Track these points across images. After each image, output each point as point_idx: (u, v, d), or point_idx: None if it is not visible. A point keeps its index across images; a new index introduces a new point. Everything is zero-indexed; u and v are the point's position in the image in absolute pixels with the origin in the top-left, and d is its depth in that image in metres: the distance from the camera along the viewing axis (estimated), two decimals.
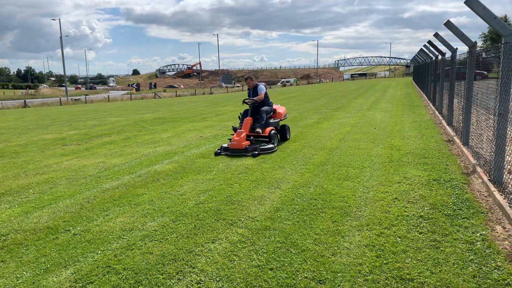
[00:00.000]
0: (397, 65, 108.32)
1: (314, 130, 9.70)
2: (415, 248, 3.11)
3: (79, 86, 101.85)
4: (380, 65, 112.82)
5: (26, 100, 37.68)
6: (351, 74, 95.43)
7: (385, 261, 2.91)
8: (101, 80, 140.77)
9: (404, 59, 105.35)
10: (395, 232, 3.41)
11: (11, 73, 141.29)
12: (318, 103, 19.38)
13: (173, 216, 4.00)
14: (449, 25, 6.62)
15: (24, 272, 2.92)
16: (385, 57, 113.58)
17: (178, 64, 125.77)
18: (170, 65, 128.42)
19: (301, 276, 2.73)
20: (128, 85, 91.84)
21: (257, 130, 7.28)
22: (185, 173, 5.78)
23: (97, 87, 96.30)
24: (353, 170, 5.56)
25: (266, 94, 7.82)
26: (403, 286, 2.58)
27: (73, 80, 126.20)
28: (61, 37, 50.00)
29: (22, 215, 4.20)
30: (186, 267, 2.91)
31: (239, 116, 8.04)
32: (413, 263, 2.87)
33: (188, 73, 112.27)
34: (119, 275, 2.81)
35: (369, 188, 4.69)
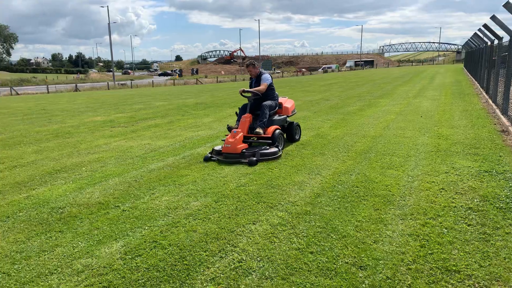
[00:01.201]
0: (447, 51, 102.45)
1: (356, 118, 9.48)
2: (463, 240, 2.99)
3: (130, 71, 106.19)
4: (428, 51, 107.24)
5: (77, 84, 39.75)
6: (355, 61, 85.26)
7: (429, 251, 2.83)
8: (145, 65, 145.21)
9: (455, 44, 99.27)
10: (441, 223, 3.30)
11: (64, 58, 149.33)
12: (361, 90, 18.85)
13: (215, 197, 4.11)
14: (508, 6, 6.14)
15: (79, 242, 3.14)
16: (434, 42, 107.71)
17: (219, 50, 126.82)
18: (212, 51, 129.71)
19: (341, 261, 2.72)
20: (171, 70, 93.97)
21: (257, 130, 5.88)
22: None
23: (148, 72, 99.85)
24: (397, 158, 5.40)
25: (271, 85, 6.40)
26: (448, 277, 2.51)
27: (120, 65, 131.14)
28: (109, 24, 51.94)
29: (76, 191, 4.49)
30: (228, 246, 3.00)
31: (236, 112, 6.56)
32: (460, 255, 2.77)
33: (229, 59, 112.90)
34: (165, 250, 2.95)
35: (414, 178, 4.54)
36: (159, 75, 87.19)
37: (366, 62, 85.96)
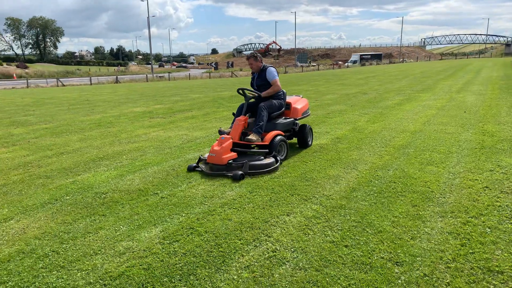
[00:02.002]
0: (495, 43, 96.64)
1: (395, 112, 9.21)
2: (508, 240, 2.86)
3: (175, 63, 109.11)
4: (474, 43, 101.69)
5: (118, 76, 41.24)
6: (360, 55, 77.49)
7: (470, 251, 2.73)
8: (182, 58, 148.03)
9: (504, 37, 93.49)
10: (484, 222, 3.16)
11: (105, 51, 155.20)
12: (401, 83, 18.24)
13: (249, 187, 4.16)
14: None
15: (121, 226, 3.30)
16: (480, 34, 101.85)
17: (255, 43, 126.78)
18: (247, 44, 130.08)
19: (377, 256, 2.69)
20: (207, 63, 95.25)
21: (250, 136, 4.92)
22: None
23: (184, 65, 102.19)
24: (438, 155, 5.21)
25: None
26: (490, 278, 2.41)
27: (158, 58, 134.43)
28: (148, 17, 53.33)
29: (118, 178, 4.70)
30: (262, 235, 3.04)
31: (233, 113, 5.53)
32: (504, 255, 2.65)
33: (264, 52, 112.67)
34: (201, 237, 3.04)
35: (456, 175, 4.37)
36: (177, 67, 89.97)
37: (373, 56, 78.86)
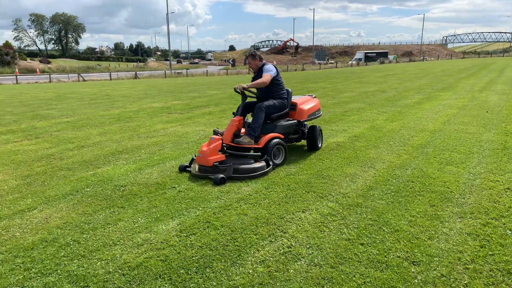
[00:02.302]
0: None
1: (414, 111, 9.06)
2: None
3: (198, 59, 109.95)
4: (498, 42, 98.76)
5: (137, 72, 41.83)
6: (365, 53, 74.44)
7: (490, 252, 2.68)
8: (200, 55, 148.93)
9: None
10: (504, 224, 3.10)
11: (125, 47, 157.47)
12: (421, 82, 17.91)
13: (265, 183, 4.18)
14: None
15: (139, 218, 3.37)
16: (505, 32, 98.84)
17: (272, 40, 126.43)
18: (264, 41, 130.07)
19: (393, 255, 2.67)
20: (224, 60, 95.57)
21: (240, 139, 4.67)
22: None
23: (199, 62, 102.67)
24: (458, 155, 5.11)
25: (276, 79, 5.01)
26: (510, 280, 2.36)
27: (176, 54, 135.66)
28: (167, 14, 53.80)
29: (136, 171, 4.79)
30: (278, 231, 3.06)
31: (233, 113, 5.23)
32: None
33: (281, 49, 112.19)
34: (217, 231, 3.08)
35: (476, 175, 4.28)
36: (190, 63, 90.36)
37: (378, 54, 74.14)
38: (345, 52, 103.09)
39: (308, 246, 2.82)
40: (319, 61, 70.46)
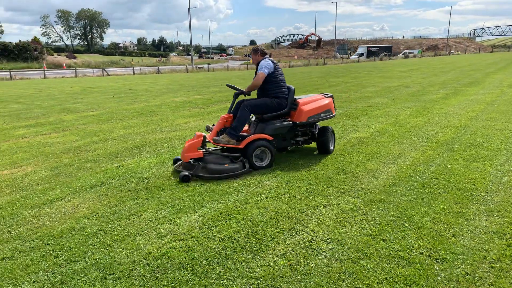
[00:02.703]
0: None
1: (439, 106, 8.83)
2: None
3: (225, 54, 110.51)
4: None
5: (159, 67, 42.39)
6: (367, 47, 68.78)
7: None
8: (221, 50, 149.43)
9: None
10: None
11: (147, 42, 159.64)
12: (446, 77, 17.41)
13: (286, 178, 4.18)
14: None
15: (163, 210, 3.45)
16: None
17: (293, 34, 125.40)
18: (286, 35, 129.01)
19: (416, 252, 2.64)
20: (245, 55, 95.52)
21: (219, 137, 4.52)
22: None
23: (217, 57, 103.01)
24: (485, 151, 4.96)
25: (273, 76, 4.73)
26: None
27: (198, 49, 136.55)
28: (189, 9, 54.12)
29: (160, 164, 4.88)
30: (298, 225, 3.07)
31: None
32: None
33: (302, 43, 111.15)
34: (238, 223, 3.12)
35: (504, 173, 4.15)
36: (205, 57, 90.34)
37: (381, 49, 68.56)
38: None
39: (329, 240, 2.82)
40: (341, 55, 69.46)
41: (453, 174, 4.16)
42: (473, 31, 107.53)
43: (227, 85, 4.93)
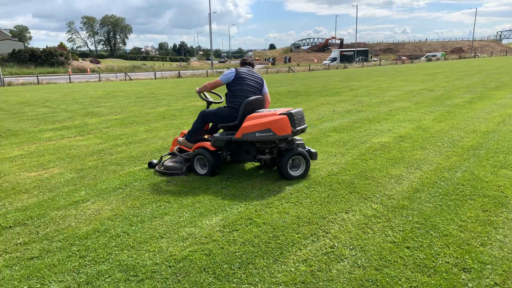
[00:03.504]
0: None
1: (464, 111, 8.60)
2: None
3: (258, 58, 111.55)
4: None
5: (180, 71, 42.99)
6: (341, 52, 64.62)
7: None
8: (240, 54, 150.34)
9: None
10: None
11: (169, 47, 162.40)
12: (471, 80, 16.96)
13: (307, 183, 4.16)
14: None
15: (184, 213, 3.48)
16: None
17: (313, 38, 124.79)
18: (305, 39, 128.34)
19: (441, 260, 2.56)
20: (264, 59, 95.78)
21: (180, 139, 4.93)
22: (318, 145, 5.88)
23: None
24: None
25: (231, 85, 4.62)
26: None
27: (217, 54, 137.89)
28: (209, 14, 54.77)
29: None
30: (320, 231, 3.04)
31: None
32: None
33: (322, 47, 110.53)
34: (259, 228, 3.11)
35: None
36: (219, 62, 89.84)
37: (358, 53, 63.62)
38: (389, 49, 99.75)
39: (351, 247, 2.78)
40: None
41: (480, 180, 4.04)
42: (500, 33, 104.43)
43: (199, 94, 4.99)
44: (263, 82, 4.82)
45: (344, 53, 64.15)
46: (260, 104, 4.69)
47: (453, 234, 2.92)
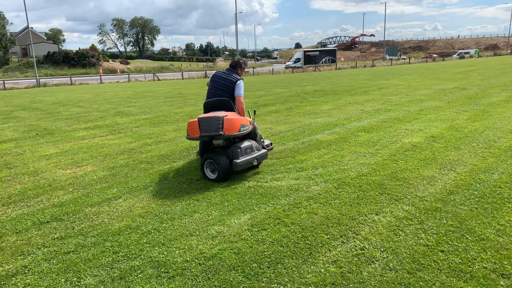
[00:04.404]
0: None
1: (501, 110, 8.24)
2: None
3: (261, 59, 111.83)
4: None
5: (206, 72, 43.49)
6: (305, 52, 56.48)
7: None
8: (266, 54, 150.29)
9: None
10: None
11: (195, 47, 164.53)
12: (508, 78, 16.22)
13: (335, 183, 4.10)
14: None
15: (213, 211, 3.52)
16: None
17: (340, 36, 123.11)
18: (332, 37, 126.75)
19: (478, 265, 2.47)
20: (289, 58, 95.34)
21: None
22: (347, 145, 5.79)
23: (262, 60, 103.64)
24: None
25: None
26: None
27: (243, 54, 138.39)
28: (235, 14, 55.08)
29: None
30: (350, 232, 2.99)
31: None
32: None
33: (350, 45, 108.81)
34: (287, 228, 3.10)
35: None
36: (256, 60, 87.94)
37: (323, 54, 57.03)
38: (419, 47, 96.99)
39: (382, 249, 2.72)
40: (391, 57, 67.07)
41: None
42: None
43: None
44: (234, 84, 4.79)
45: (309, 53, 57.20)
46: (221, 105, 4.70)
47: (490, 238, 2.80)
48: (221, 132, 4.22)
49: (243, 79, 4.91)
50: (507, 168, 4.32)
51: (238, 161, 4.27)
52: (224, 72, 4.97)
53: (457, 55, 64.64)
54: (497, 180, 3.98)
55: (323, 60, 55.92)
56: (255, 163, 4.51)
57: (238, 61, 5.05)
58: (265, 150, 4.73)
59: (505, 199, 3.48)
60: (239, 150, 4.36)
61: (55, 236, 3.18)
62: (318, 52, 57.91)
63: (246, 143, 4.50)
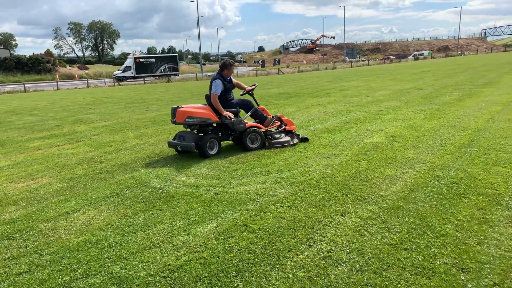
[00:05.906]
0: None
1: (454, 109, 8.67)
2: None
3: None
4: None
5: (170, 77, 42.76)
6: (135, 59, 45.62)
7: None
8: (230, 57, 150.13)
9: None
10: None
11: (157, 51, 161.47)
12: (459, 78, 17.16)
13: (301, 186, 4.12)
14: None
15: (178, 221, 3.41)
16: None
17: (301, 40, 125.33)
18: (294, 40, 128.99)
19: (439, 261, 2.54)
20: (254, 61, 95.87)
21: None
22: (311, 146, 5.85)
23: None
24: (506, 154, 4.83)
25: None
26: None
27: (206, 57, 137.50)
28: (197, 18, 54.64)
29: (173, 174, 4.86)
30: (316, 235, 3.00)
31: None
32: None
33: (311, 48, 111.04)
34: (254, 234, 3.06)
35: None
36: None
37: (159, 60, 47.35)
38: (377, 49, 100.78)
39: (348, 250, 2.74)
40: (351, 59, 69.11)
41: (473, 178, 4.04)
42: (484, 30, 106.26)
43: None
44: (211, 83, 5.79)
45: (141, 60, 46.21)
46: (207, 100, 5.89)
47: (449, 234, 2.90)
48: (173, 120, 5.57)
49: (221, 79, 5.74)
50: (462, 165, 4.52)
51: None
52: (215, 74, 5.90)
53: (412, 56, 67.73)
54: (453, 176, 4.15)
55: (162, 68, 46.98)
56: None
57: (224, 63, 5.86)
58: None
59: (461, 195, 3.64)
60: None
61: (6, 256, 2.96)
62: (154, 59, 47.94)
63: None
